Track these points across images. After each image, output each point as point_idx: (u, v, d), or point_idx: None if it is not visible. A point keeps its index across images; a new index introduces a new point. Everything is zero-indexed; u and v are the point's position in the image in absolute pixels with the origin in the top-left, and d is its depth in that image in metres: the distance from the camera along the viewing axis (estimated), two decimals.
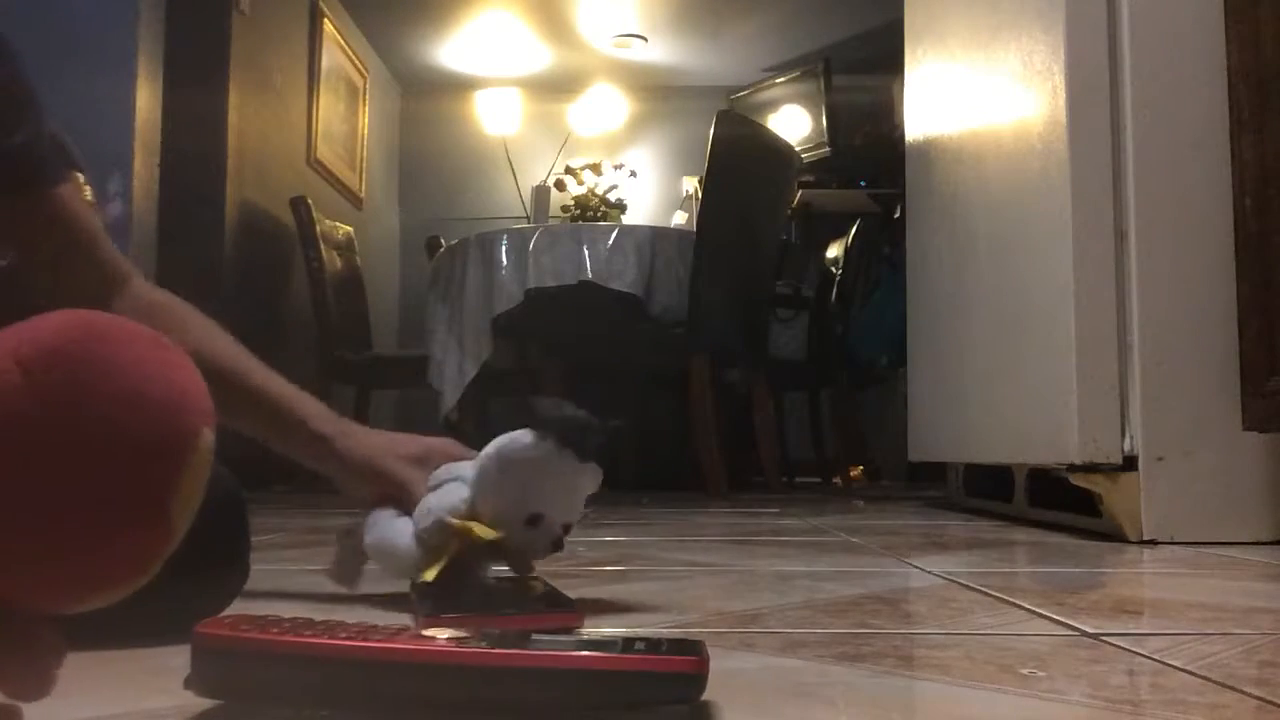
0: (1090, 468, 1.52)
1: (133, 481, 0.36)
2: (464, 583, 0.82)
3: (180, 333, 0.86)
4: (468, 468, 0.84)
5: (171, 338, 0.77)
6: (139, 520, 0.37)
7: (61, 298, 0.83)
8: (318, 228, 3.50)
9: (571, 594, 0.81)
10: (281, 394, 0.88)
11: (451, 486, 0.84)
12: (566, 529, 0.83)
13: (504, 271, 2.91)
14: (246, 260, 3.41)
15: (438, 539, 0.81)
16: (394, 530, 0.85)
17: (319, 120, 4.17)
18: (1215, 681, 0.56)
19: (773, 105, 4.93)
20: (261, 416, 0.87)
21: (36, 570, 0.36)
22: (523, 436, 0.80)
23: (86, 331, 0.37)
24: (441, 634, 0.47)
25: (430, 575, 0.78)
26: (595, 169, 4.76)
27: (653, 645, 0.48)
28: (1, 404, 0.34)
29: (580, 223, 4.07)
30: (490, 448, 0.82)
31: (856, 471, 3.70)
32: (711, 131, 2.80)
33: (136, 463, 0.36)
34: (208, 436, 0.39)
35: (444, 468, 0.87)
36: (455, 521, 0.80)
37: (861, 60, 4.80)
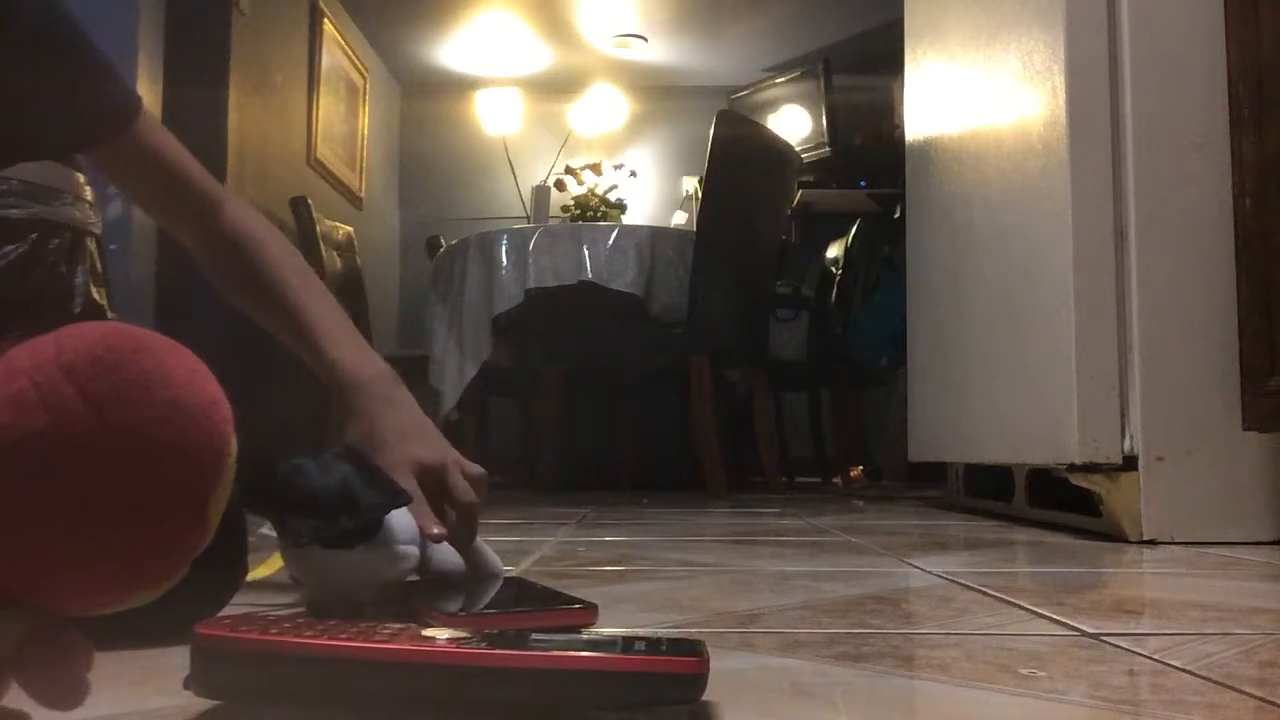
0: (1090, 468, 1.52)
1: (177, 487, 0.37)
2: (472, 583, 0.82)
3: (266, 266, 0.90)
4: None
5: (257, 269, 0.86)
6: (182, 523, 0.38)
7: (165, 228, 0.90)
8: (318, 228, 3.50)
9: (571, 594, 0.81)
10: (341, 350, 0.88)
11: None
12: (353, 610, 0.74)
13: (504, 271, 2.91)
14: None
15: None
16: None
17: (319, 120, 4.17)
18: (1215, 681, 0.56)
19: (773, 105, 4.93)
20: (314, 364, 0.89)
21: (81, 572, 0.37)
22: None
23: (127, 343, 0.38)
24: (441, 634, 0.47)
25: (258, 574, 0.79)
26: (595, 169, 4.76)
27: (653, 645, 0.48)
28: (57, 414, 0.35)
29: (580, 223, 4.07)
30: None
31: (856, 471, 3.69)
32: (711, 131, 2.80)
33: (181, 469, 0.37)
34: (234, 442, 0.40)
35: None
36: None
37: (861, 60, 4.80)
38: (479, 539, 0.89)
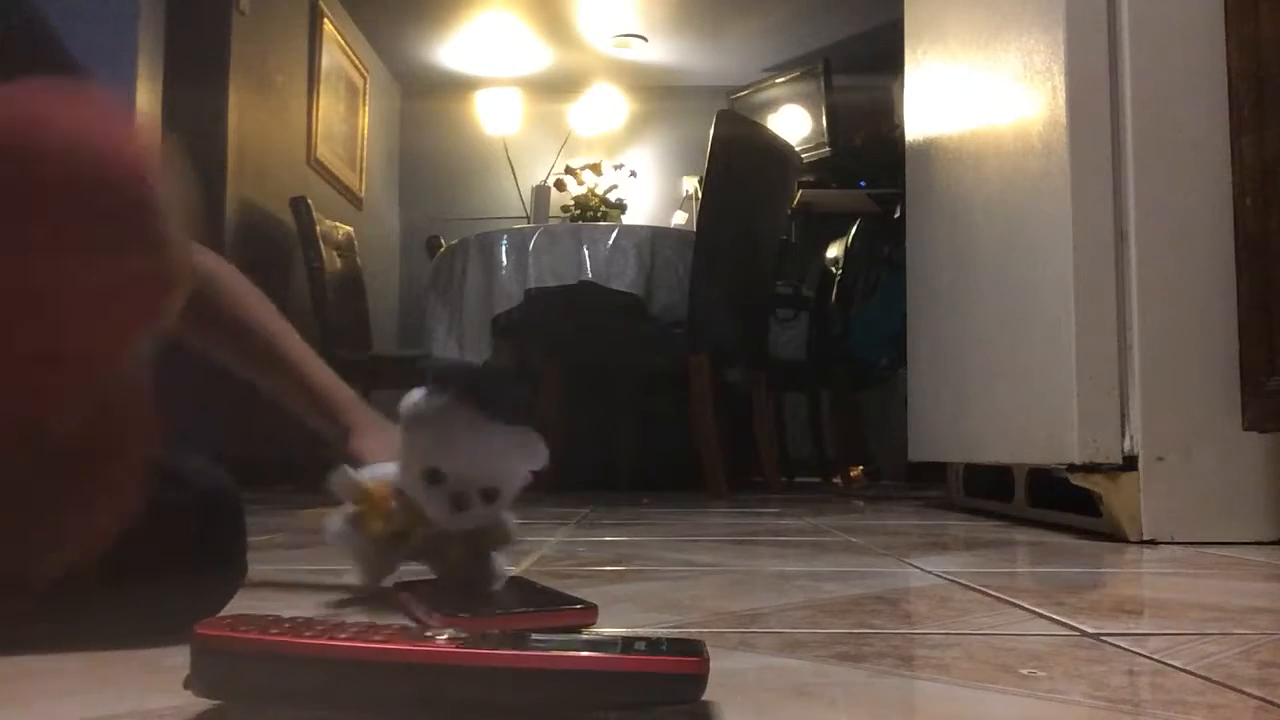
0: (1090, 468, 1.52)
1: (117, 218, 0.36)
2: (469, 583, 0.82)
3: (232, 304, 0.90)
4: None
5: (224, 308, 0.85)
6: (145, 247, 0.37)
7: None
8: (318, 228, 3.50)
9: (572, 594, 0.81)
10: (316, 379, 0.91)
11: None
12: (490, 496, 0.80)
13: (504, 271, 2.91)
14: (246, 260, 3.39)
15: (336, 490, 0.83)
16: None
17: (319, 120, 4.17)
18: (1215, 681, 0.56)
19: (773, 105, 4.93)
20: (292, 394, 0.90)
21: (87, 315, 0.37)
22: (420, 391, 0.78)
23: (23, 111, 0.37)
24: (441, 634, 0.47)
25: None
26: (595, 169, 4.77)
27: (653, 645, 0.48)
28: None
29: (580, 223, 4.07)
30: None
31: (856, 471, 3.70)
32: (711, 131, 2.80)
33: (112, 201, 0.36)
34: (170, 148, 0.39)
35: None
36: (350, 479, 0.82)
37: (861, 60, 4.81)
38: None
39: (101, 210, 0.35)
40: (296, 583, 0.99)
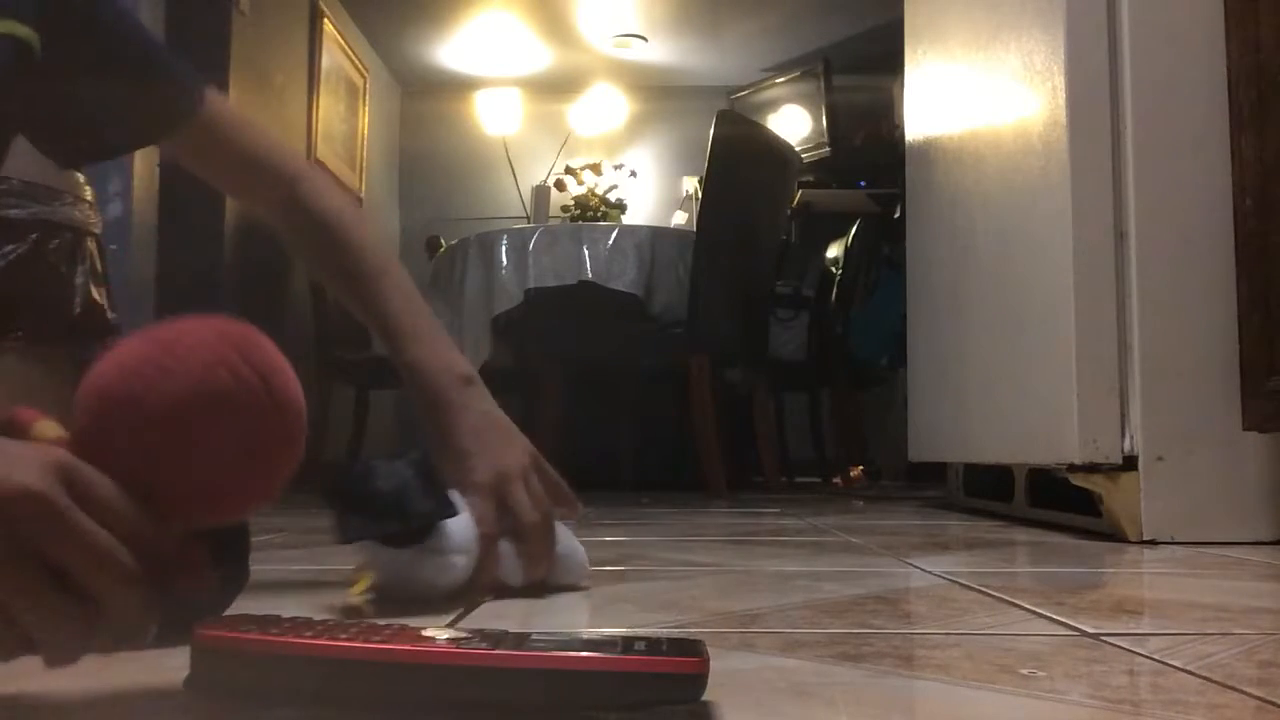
0: (1090, 468, 1.52)
1: (298, 431, 0.52)
2: None
3: (337, 249, 0.93)
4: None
5: (330, 251, 0.95)
6: (296, 456, 0.52)
7: (242, 204, 0.98)
8: None
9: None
10: (415, 346, 0.90)
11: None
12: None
13: (504, 271, 2.91)
14: (246, 260, 3.41)
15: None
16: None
17: (319, 120, 4.17)
18: (1215, 681, 0.56)
19: (773, 105, 4.93)
20: (391, 359, 0.91)
21: (234, 491, 0.51)
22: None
23: (253, 331, 0.52)
24: (441, 634, 0.47)
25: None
26: (595, 169, 4.76)
27: (653, 645, 0.48)
28: (238, 379, 0.49)
29: (580, 223, 4.07)
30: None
31: (856, 471, 3.70)
32: (711, 131, 2.80)
33: (299, 419, 0.52)
34: None
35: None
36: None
37: (861, 60, 4.80)
38: (568, 543, 0.89)
39: (295, 419, 0.52)
40: (296, 583, 0.99)
